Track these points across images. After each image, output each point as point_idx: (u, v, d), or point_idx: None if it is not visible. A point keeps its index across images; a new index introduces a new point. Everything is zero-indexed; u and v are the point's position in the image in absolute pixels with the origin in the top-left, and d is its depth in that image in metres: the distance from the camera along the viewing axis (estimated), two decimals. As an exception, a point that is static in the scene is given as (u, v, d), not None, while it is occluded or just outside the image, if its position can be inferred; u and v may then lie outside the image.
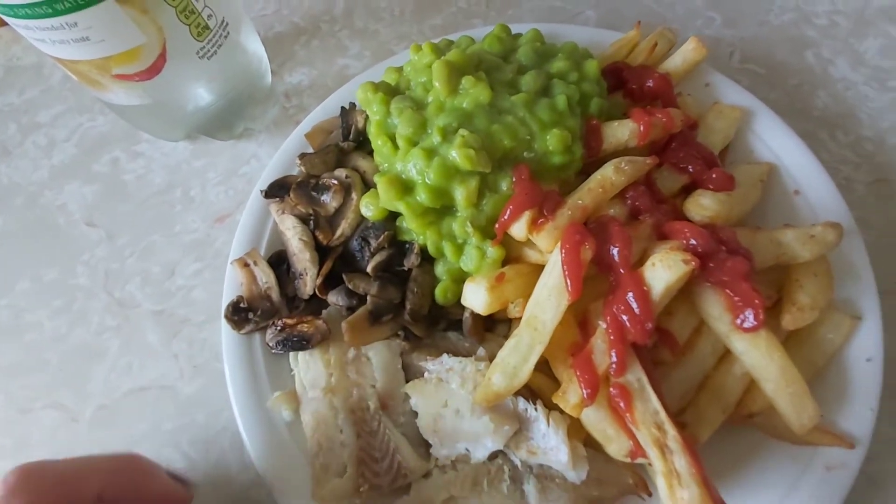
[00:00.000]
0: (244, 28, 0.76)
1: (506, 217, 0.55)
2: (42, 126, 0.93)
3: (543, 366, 0.55)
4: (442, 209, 0.58)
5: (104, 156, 0.88)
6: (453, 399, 0.52)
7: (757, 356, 0.50)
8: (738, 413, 0.53)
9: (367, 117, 0.67)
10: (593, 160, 0.61)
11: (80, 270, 0.79)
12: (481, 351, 0.57)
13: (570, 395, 0.49)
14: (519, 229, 0.54)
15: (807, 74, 0.82)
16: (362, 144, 0.70)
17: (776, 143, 0.66)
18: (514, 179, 0.56)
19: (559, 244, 0.51)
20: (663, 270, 0.48)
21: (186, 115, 0.77)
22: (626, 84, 0.68)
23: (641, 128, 0.59)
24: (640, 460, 0.48)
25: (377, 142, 0.61)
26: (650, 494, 0.52)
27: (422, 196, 0.56)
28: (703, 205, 0.56)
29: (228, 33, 0.72)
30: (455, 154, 0.55)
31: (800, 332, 0.55)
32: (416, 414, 0.56)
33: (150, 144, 0.88)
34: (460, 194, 0.56)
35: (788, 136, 0.66)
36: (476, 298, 0.54)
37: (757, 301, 0.49)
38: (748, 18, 0.88)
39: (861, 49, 0.84)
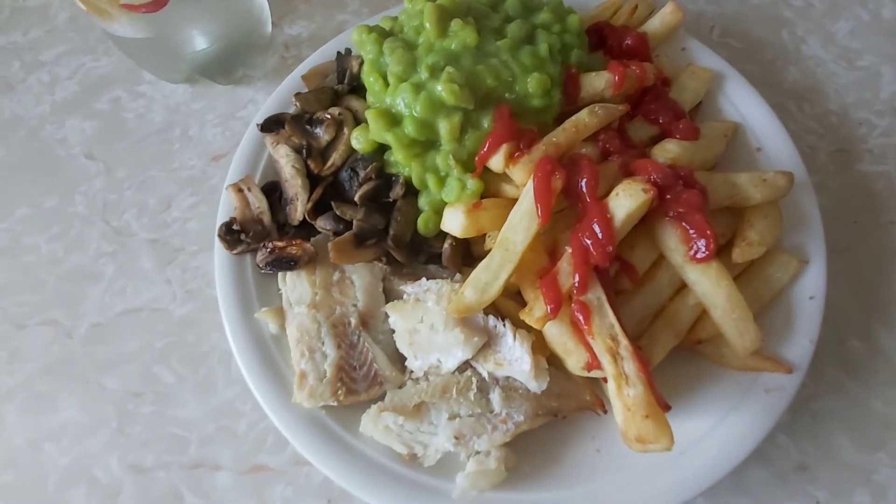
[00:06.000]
0: None
1: (485, 150, 0.59)
2: (45, 64, 0.95)
3: (515, 295, 0.59)
4: (427, 142, 0.62)
5: (105, 94, 0.91)
6: (429, 315, 0.56)
7: (707, 284, 0.54)
8: (688, 339, 0.58)
9: (361, 62, 0.71)
10: (571, 108, 0.65)
11: (79, 200, 0.82)
12: (458, 276, 0.61)
13: (536, 310, 0.53)
14: (497, 161, 0.59)
15: (781, 51, 0.87)
16: (356, 89, 0.73)
17: (744, 106, 0.71)
18: (495, 117, 0.60)
19: (532, 174, 0.55)
20: (625, 199, 0.53)
21: (188, 56, 0.80)
22: (607, 42, 0.72)
23: (616, 78, 0.63)
24: (595, 373, 0.53)
25: (369, 79, 0.65)
26: (605, 411, 0.57)
27: (409, 128, 0.60)
28: (667, 149, 0.60)
29: None
30: (441, 89, 0.58)
31: (750, 270, 0.59)
32: (393, 332, 0.60)
33: (151, 86, 0.90)
34: (444, 128, 0.60)
35: (755, 99, 0.71)
36: (454, 222, 0.58)
37: (709, 232, 0.53)
38: (730, -4, 0.93)
39: (833, 30, 0.89)
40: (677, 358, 0.57)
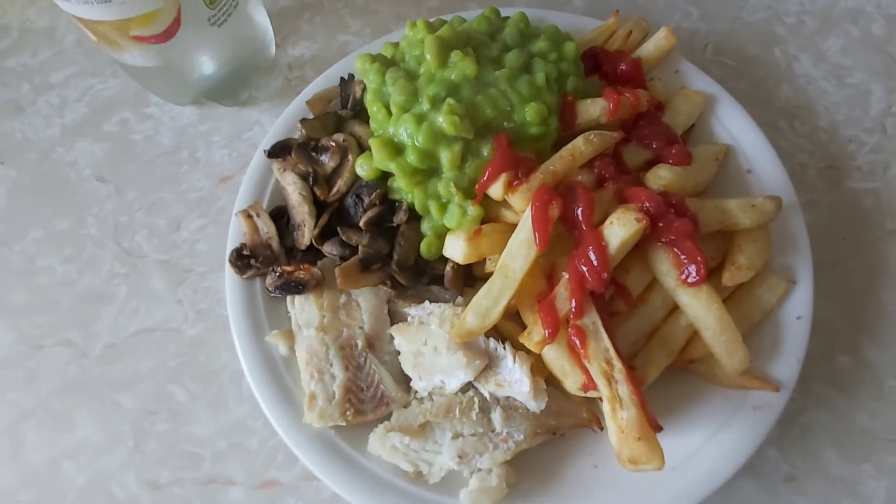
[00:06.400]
0: (252, 0, 0.82)
1: (485, 178, 0.61)
2: (54, 86, 0.97)
3: (514, 316, 0.62)
4: (429, 170, 0.64)
5: (114, 116, 0.93)
6: (432, 338, 0.59)
7: (698, 307, 0.57)
8: (681, 359, 0.60)
9: (364, 88, 0.73)
10: (568, 134, 0.67)
11: (91, 221, 0.85)
12: (459, 299, 0.63)
13: (534, 334, 0.56)
14: (496, 190, 0.61)
15: (773, 68, 0.89)
16: (359, 113, 0.76)
17: (735, 128, 0.73)
18: (494, 146, 0.63)
19: (530, 203, 0.58)
20: (619, 227, 0.55)
21: (194, 80, 0.83)
22: (602, 67, 0.74)
23: (611, 105, 0.66)
24: (591, 393, 0.55)
25: (373, 108, 0.67)
26: (602, 428, 0.60)
27: (411, 157, 0.62)
28: (660, 175, 0.62)
29: (238, 3, 0.77)
30: (442, 120, 0.61)
31: (739, 291, 0.62)
32: (399, 353, 0.63)
33: (158, 108, 0.93)
34: (445, 157, 0.62)
35: (746, 121, 0.73)
36: (455, 248, 0.60)
37: (699, 258, 0.56)
38: (723, 14, 0.94)
39: (824, 47, 0.91)
40: (670, 376, 0.60)
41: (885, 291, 0.72)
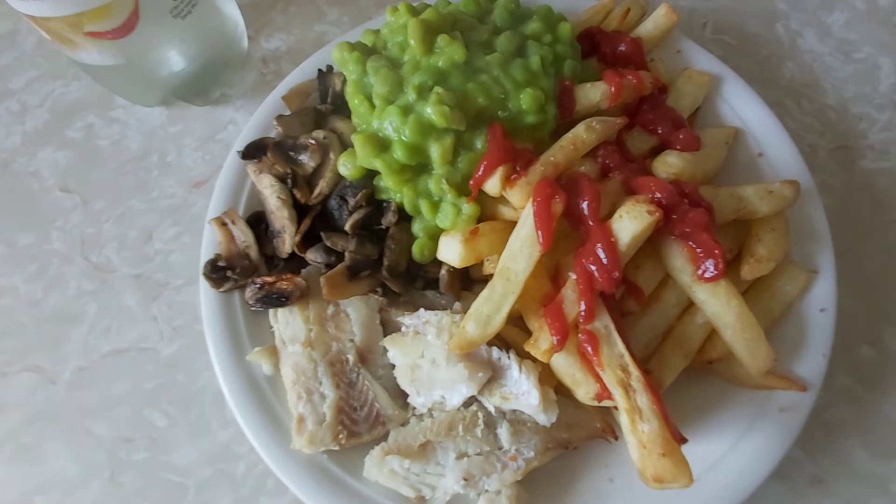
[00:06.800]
0: None
1: (480, 173, 0.56)
2: (14, 92, 0.91)
3: (517, 320, 0.57)
4: (418, 167, 0.59)
5: (78, 122, 0.87)
6: (430, 350, 0.54)
7: (716, 304, 0.52)
8: (699, 360, 0.56)
9: (344, 80, 0.68)
10: (567, 121, 0.62)
11: (56, 235, 0.79)
12: (457, 305, 0.58)
13: (541, 342, 0.51)
14: (493, 185, 0.56)
15: (776, 46, 0.85)
16: (339, 108, 0.70)
17: (743, 109, 0.68)
18: (488, 137, 0.57)
19: (531, 198, 0.53)
20: (629, 221, 0.50)
21: (161, 79, 0.77)
22: (599, 49, 0.69)
23: (613, 89, 0.61)
24: (605, 403, 0.51)
25: (354, 101, 0.62)
26: (616, 438, 0.55)
27: (398, 153, 0.57)
28: (669, 163, 0.58)
29: None
30: (430, 111, 0.55)
31: (759, 284, 0.57)
32: (393, 366, 0.58)
33: (124, 110, 0.86)
34: (436, 152, 0.57)
35: (755, 101, 0.68)
36: (451, 251, 0.55)
37: (717, 251, 0.51)
38: (721, -10, 0.90)
39: (828, 21, 0.86)
40: (688, 378, 0.56)
41: (906, 276, 0.69)
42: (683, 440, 0.45)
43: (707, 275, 0.52)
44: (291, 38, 0.90)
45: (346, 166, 0.61)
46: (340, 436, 0.53)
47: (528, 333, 0.55)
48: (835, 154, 0.77)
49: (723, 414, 0.55)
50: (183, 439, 0.65)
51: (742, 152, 0.66)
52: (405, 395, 0.56)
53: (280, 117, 0.68)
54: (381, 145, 0.58)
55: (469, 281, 0.63)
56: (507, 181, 0.55)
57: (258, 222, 0.65)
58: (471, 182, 0.57)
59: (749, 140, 0.67)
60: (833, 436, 0.62)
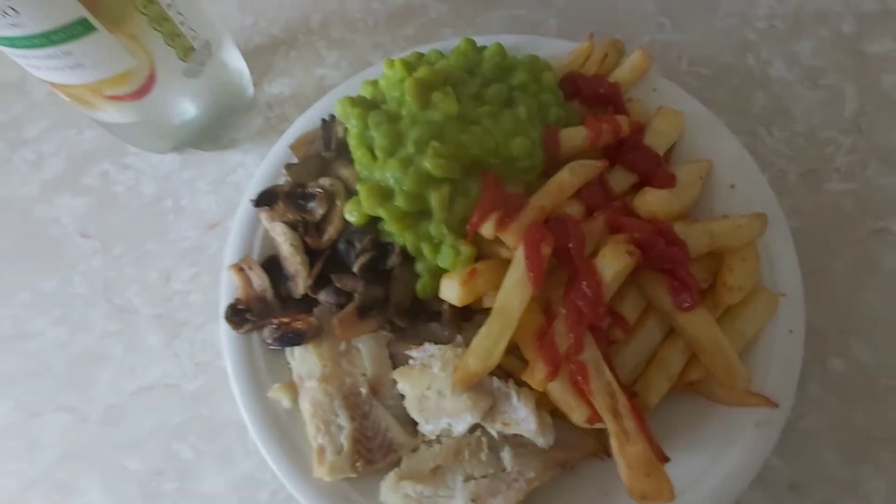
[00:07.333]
0: (225, 45, 0.81)
1: (475, 219, 0.62)
2: (29, 141, 0.96)
3: (515, 349, 0.62)
4: (418, 213, 0.64)
5: (93, 169, 0.92)
6: (436, 381, 0.59)
7: (694, 331, 0.58)
8: (681, 381, 0.61)
9: (345, 129, 0.73)
10: (552, 163, 0.68)
11: (78, 280, 0.84)
12: (459, 339, 0.64)
13: (537, 372, 0.56)
14: (487, 230, 0.61)
15: (747, 75, 0.91)
16: (342, 153, 0.76)
17: (715, 143, 0.74)
18: (481, 185, 0.63)
19: (521, 242, 0.58)
20: (611, 261, 0.56)
21: (174, 130, 0.82)
22: (581, 92, 0.74)
23: (593, 134, 0.66)
24: (598, 425, 0.56)
25: (357, 153, 0.67)
26: (609, 456, 0.60)
27: (400, 202, 0.62)
28: (647, 201, 0.63)
29: (211, 52, 0.76)
30: (428, 164, 0.61)
31: (732, 309, 0.63)
32: (403, 397, 0.63)
33: (137, 157, 0.92)
34: (434, 199, 0.63)
35: (726, 135, 0.74)
36: (451, 292, 0.60)
37: (692, 285, 0.57)
38: (695, 23, 0.96)
39: (796, 50, 0.92)
40: (671, 398, 0.61)
41: (871, 291, 0.74)
42: (666, 459, 0.51)
43: (684, 305, 0.57)
44: (294, 82, 0.96)
45: (352, 214, 0.67)
46: (357, 464, 0.58)
47: (525, 361, 0.60)
48: (803, 178, 0.82)
49: (704, 430, 0.60)
50: (209, 469, 0.70)
51: (715, 184, 0.71)
52: (414, 423, 0.62)
53: (289, 166, 0.74)
54: (384, 195, 0.63)
55: (469, 312, 0.68)
56: (501, 225, 0.61)
57: (272, 265, 0.70)
58: (468, 226, 0.63)
59: (721, 172, 0.72)
60: (807, 444, 0.68)
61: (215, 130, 0.87)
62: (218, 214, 0.86)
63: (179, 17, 0.68)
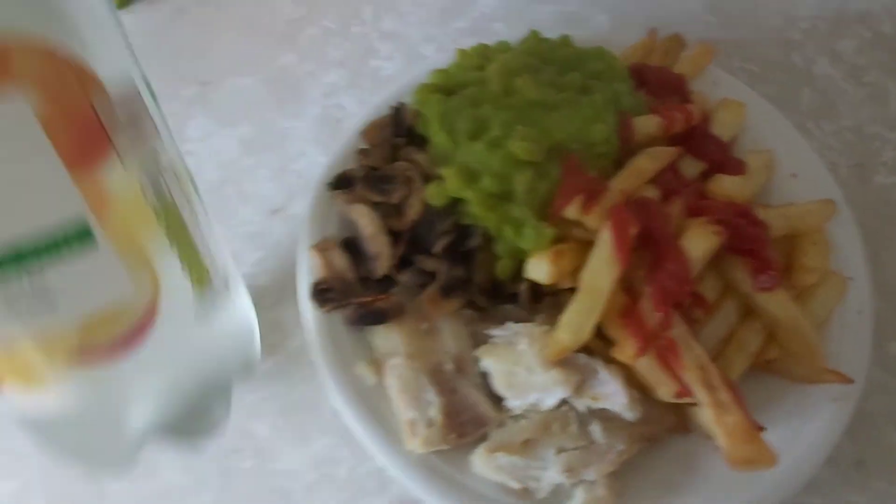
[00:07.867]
0: (239, 288, 0.63)
1: (560, 201, 0.64)
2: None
3: (598, 331, 0.64)
4: (502, 195, 0.66)
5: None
6: (523, 357, 0.61)
7: (775, 311, 0.60)
8: (759, 360, 0.63)
9: (415, 115, 0.75)
10: (626, 150, 0.70)
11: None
12: (541, 317, 0.65)
13: (627, 348, 0.58)
14: (572, 212, 0.63)
15: (794, 72, 0.94)
16: (412, 140, 0.77)
17: (775, 133, 0.77)
18: (564, 168, 0.65)
19: (608, 223, 0.60)
20: (698, 241, 0.58)
21: (154, 409, 0.54)
22: (647, 82, 0.77)
23: (666, 122, 0.69)
24: (684, 400, 0.58)
25: (438, 137, 0.69)
26: (689, 431, 0.62)
27: (487, 184, 0.64)
28: (724, 186, 0.66)
29: (229, 288, 0.57)
30: (514, 147, 0.63)
31: (805, 291, 0.65)
32: (484, 375, 0.64)
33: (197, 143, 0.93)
34: (519, 182, 0.64)
35: (785, 126, 0.77)
36: (540, 270, 0.62)
37: (774, 265, 0.59)
38: (742, 21, 0.99)
39: (839, 48, 0.96)
40: (748, 377, 0.63)
41: (924, 278, 0.77)
42: (762, 428, 0.53)
43: (766, 285, 0.59)
44: (349, 73, 0.97)
45: (435, 196, 0.68)
46: (450, 436, 0.60)
47: (606, 341, 0.62)
48: (853, 171, 0.85)
49: (782, 407, 0.62)
50: (286, 447, 0.71)
51: (777, 173, 0.74)
52: (499, 400, 0.63)
53: (363, 150, 0.75)
54: (471, 177, 0.65)
55: (539, 295, 0.70)
56: (585, 208, 0.63)
57: (349, 247, 0.72)
58: (551, 209, 0.65)
59: (782, 162, 0.75)
60: (871, 423, 0.70)
61: (203, 408, 0.62)
62: (280, 201, 0.87)
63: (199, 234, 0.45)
